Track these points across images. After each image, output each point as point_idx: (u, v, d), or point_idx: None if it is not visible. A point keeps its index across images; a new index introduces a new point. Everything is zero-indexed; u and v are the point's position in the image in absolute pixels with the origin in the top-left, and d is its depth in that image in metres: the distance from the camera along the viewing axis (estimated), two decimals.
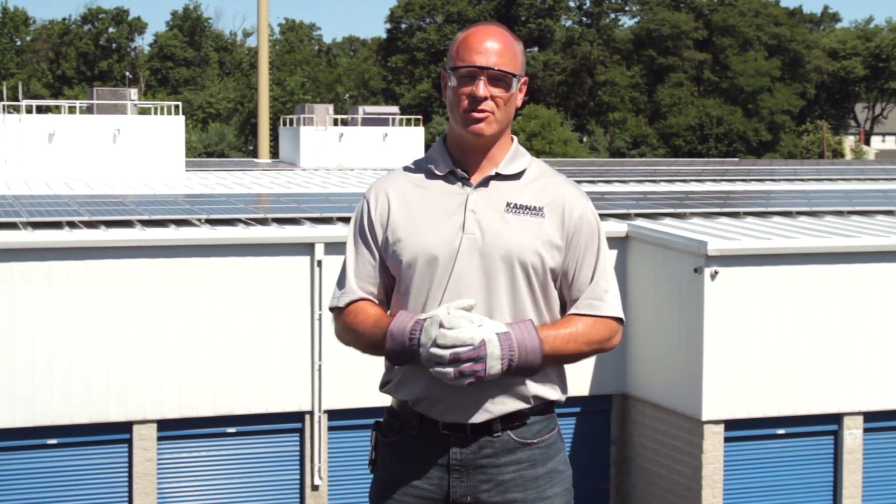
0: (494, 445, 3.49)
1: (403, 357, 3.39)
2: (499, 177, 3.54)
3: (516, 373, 3.38)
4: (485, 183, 3.53)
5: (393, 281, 3.57)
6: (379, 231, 3.56)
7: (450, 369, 3.29)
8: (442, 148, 3.60)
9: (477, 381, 3.32)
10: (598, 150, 68.87)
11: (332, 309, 3.64)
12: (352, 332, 3.54)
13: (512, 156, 3.57)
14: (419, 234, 3.49)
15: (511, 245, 3.46)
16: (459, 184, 3.54)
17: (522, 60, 3.53)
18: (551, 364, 3.47)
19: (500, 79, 3.46)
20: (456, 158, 3.56)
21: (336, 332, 3.61)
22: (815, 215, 21.01)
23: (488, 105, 3.46)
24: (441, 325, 3.30)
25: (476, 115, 3.46)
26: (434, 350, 3.30)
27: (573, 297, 3.55)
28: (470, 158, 3.55)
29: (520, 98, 3.55)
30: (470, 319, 3.31)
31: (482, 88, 3.44)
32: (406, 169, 3.64)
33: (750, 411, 16.63)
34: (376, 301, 3.58)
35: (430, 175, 3.57)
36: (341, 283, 3.61)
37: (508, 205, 3.50)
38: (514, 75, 3.47)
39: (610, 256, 3.63)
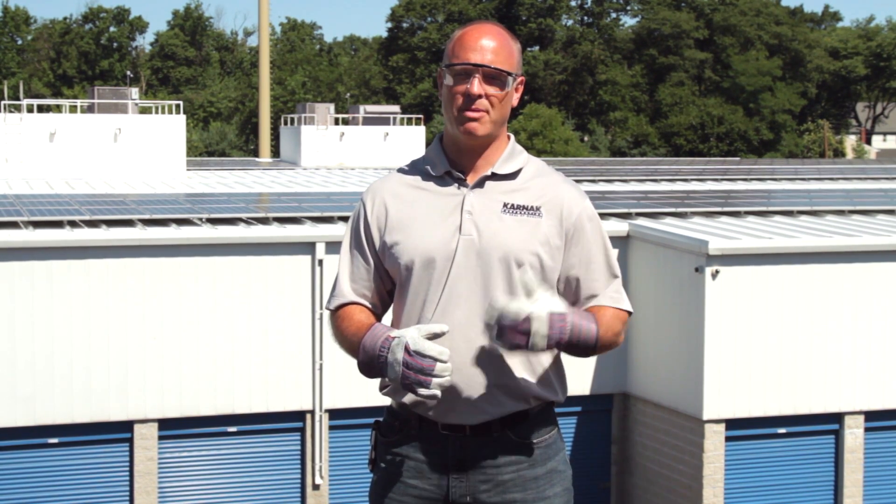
0: (494, 446, 3.49)
1: (372, 371, 3.37)
2: (495, 177, 3.53)
3: (566, 349, 3.35)
4: (481, 183, 3.52)
5: (391, 283, 3.57)
6: (376, 234, 3.56)
7: (406, 373, 3.25)
8: (438, 148, 3.58)
9: (519, 349, 3.28)
10: (599, 149, 68.83)
11: (327, 310, 3.66)
12: (338, 337, 3.54)
13: (508, 155, 3.56)
14: (416, 237, 3.48)
15: (508, 246, 3.45)
16: (456, 185, 3.52)
17: (519, 59, 3.51)
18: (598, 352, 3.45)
19: (495, 77, 3.44)
20: (452, 159, 3.55)
21: (331, 334, 3.62)
22: (816, 214, 21.00)
23: (482, 103, 3.44)
24: (406, 348, 3.26)
25: (470, 114, 3.44)
26: (394, 366, 3.26)
27: (587, 295, 3.53)
28: (466, 158, 3.54)
29: (516, 97, 3.54)
30: (439, 352, 3.25)
31: (477, 86, 3.42)
32: (403, 170, 3.63)
33: (751, 410, 16.63)
34: (369, 305, 3.57)
35: (427, 176, 3.56)
36: (334, 286, 3.62)
37: (505, 205, 3.49)
38: (509, 74, 3.45)
39: (614, 252, 3.65)
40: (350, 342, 3.47)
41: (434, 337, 3.29)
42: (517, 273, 3.44)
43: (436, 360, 3.23)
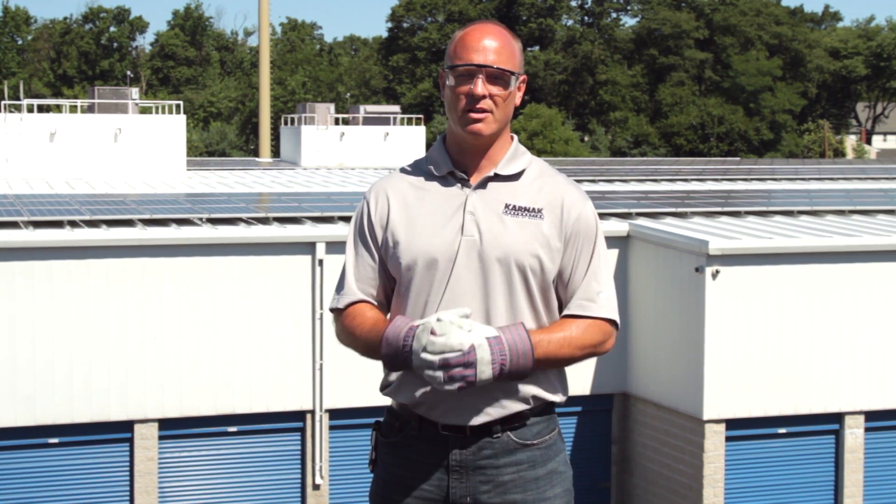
0: (494, 447, 3.49)
1: (398, 363, 3.37)
2: (498, 177, 3.52)
3: (508, 378, 3.35)
4: (483, 184, 3.51)
5: (394, 282, 3.56)
6: (379, 233, 3.55)
7: (440, 373, 3.27)
8: (441, 148, 3.58)
9: (468, 385, 3.29)
10: (599, 149, 68.84)
11: (331, 310, 3.64)
12: (350, 335, 3.53)
13: (511, 156, 3.55)
14: (418, 237, 3.48)
15: (509, 248, 3.44)
16: (458, 185, 3.52)
17: (521, 59, 3.51)
18: (543, 368, 3.44)
19: (498, 77, 3.44)
20: (455, 159, 3.54)
21: (336, 333, 3.61)
22: (816, 214, 21.00)
23: (486, 104, 3.43)
24: (432, 332, 3.28)
25: (474, 114, 3.44)
26: (424, 356, 3.28)
27: (567, 298, 3.52)
28: (469, 159, 3.53)
29: (518, 96, 3.53)
30: (460, 325, 3.28)
31: (480, 87, 3.42)
32: (406, 170, 3.62)
33: (751, 410, 16.63)
34: (375, 303, 3.57)
35: (430, 176, 3.56)
36: (341, 284, 3.60)
37: (507, 206, 3.48)
38: (512, 73, 3.45)
39: (608, 258, 3.58)
40: (366, 339, 3.46)
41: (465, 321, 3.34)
42: (516, 279, 3.44)
43: (464, 351, 3.28)
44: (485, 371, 3.28)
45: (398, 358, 3.35)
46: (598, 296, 3.50)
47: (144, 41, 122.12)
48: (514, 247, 3.45)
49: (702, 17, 75.10)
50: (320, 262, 16.54)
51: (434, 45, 72.30)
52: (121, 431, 16.08)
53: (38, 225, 16.66)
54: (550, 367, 3.47)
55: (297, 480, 16.94)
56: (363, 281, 3.57)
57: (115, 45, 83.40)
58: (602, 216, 18.68)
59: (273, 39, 79.19)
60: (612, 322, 3.52)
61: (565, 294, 3.53)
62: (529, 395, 3.48)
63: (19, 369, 15.48)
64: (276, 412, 16.65)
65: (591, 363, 17.70)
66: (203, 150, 65.33)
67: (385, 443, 3.59)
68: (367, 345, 3.47)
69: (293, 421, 16.80)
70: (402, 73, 73.99)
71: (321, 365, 16.59)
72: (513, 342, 3.34)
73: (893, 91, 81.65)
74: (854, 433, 17.17)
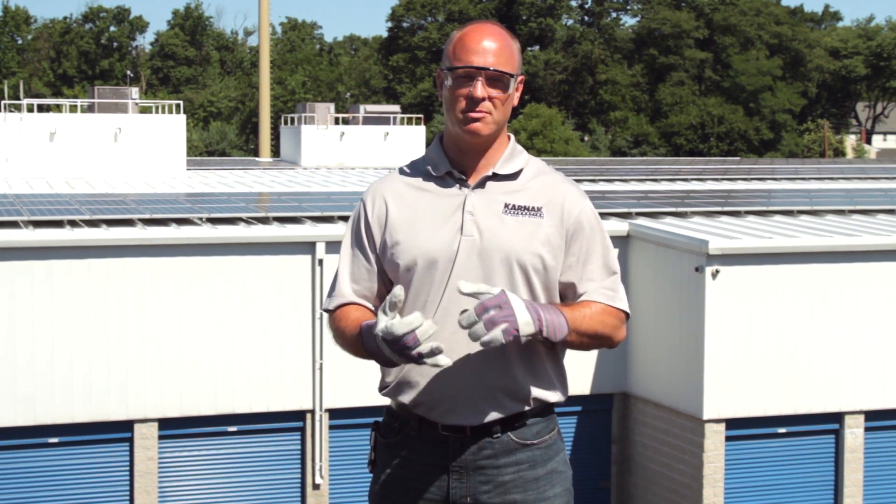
0: (494, 447, 3.48)
1: (390, 361, 3.35)
2: (496, 177, 3.52)
3: (546, 334, 3.31)
4: (482, 184, 3.51)
5: (391, 284, 3.55)
6: (377, 234, 3.55)
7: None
8: (439, 149, 3.58)
9: (512, 331, 3.22)
10: (599, 149, 68.82)
11: (324, 311, 3.64)
12: (339, 338, 3.53)
13: (508, 155, 3.55)
14: (417, 238, 3.47)
15: (509, 247, 3.44)
16: (457, 185, 3.52)
17: (519, 59, 3.51)
18: (573, 339, 3.41)
19: (497, 79, 3.43)
20: (453, 159, 3.54)
21: (332, 336, 3.61)
22: (816, 214, 21.00)
23: (486, 106, 3.43)
24: (386, 342, 3.24)
25: (473, 114, 3.43)
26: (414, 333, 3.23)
27: (581, 291, 3.50)
28: (467, 159, 3.53)
29: (517, 97, 3.53)
30: (409, 324, 3.22)
31: (480, 89, 3.41)
32: (403, 171, 3.62)
33: (751, 410, 16.63)
34: (370, 306, 3.56)
35: (428, 177, 3.55)
36: (333, 286, 3.60)
37: (506, 206, 3.48)
38: (511, 75, 3.45)
39: (614, 252, 3.62)
40: (349, 340, 3.46)
41: (394, 307, 3.25)
42: (518, 278, 3.44)
43: (412, 331, 3.22)
44: (522, 314, 3.25)
45: (390, 362, 3.34)
46: (619, 287, 3.54)
47: (144, 41, 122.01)
48: (516, 245, 3.44)
49: (702, 16, 75.09)
50: (320, 261, 16.54)
51: (434, 45, 72.28)
52: (121, 431, 16.08)
53: (38, 225, 16.66)
54: (578, 340, 3.43)
55: (297, 480, 16.93)
56: (358, 283, 3.57)
57: (115, 44, 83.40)
58: (602, 216, 18.56)
59: (273, 39, 79.16)
60: (627, 314, 3.55)
61: (576, 288, 3.51)
62: (529, 396, 3.48)
63: (19, 369, 15.48)
64: (276, 412, 16.65)
65: (591, 362, 17.70)
66: (203, 149, 65.32)
67: (384, 443, 3.59)
68: (352, 347, 3.47)
69: (293, 421, 16.80)
70: (402, 72, 73.98)
71: (321, 365, 16.59)
72: (545, 310, 3.32)
73: (893, 91, 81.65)
74: (854, 433, 17.17)
